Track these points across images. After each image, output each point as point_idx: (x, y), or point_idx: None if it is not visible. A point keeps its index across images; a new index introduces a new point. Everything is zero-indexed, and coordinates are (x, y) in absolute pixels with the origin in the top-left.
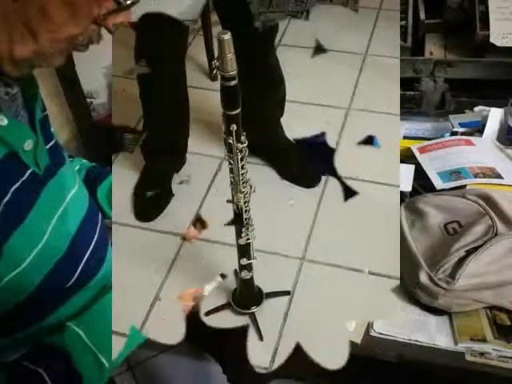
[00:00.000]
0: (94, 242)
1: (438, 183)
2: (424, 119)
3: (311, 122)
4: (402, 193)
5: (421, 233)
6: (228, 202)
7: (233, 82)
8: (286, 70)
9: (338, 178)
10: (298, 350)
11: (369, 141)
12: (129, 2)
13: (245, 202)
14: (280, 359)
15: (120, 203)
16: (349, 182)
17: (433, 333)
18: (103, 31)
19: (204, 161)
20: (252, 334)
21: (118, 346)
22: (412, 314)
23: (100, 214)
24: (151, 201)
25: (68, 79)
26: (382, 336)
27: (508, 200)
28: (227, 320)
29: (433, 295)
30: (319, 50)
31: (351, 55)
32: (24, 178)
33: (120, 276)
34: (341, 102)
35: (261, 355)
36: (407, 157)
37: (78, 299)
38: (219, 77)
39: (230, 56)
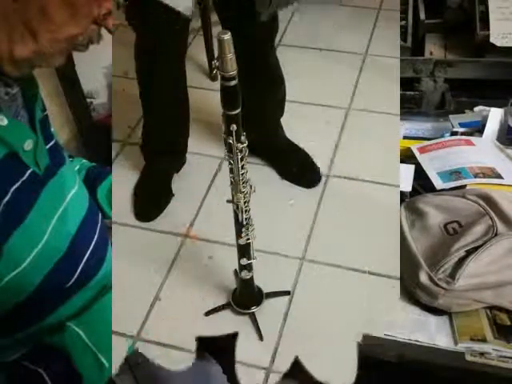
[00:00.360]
0: (93, 242)
1: (438, 183)
2: (424, 119)
3: (311, 122)
4: (402, 193)
5: (421, 233)
6: (228, 201)
7: (233, 82)
8: (286, 70)
9: None
10: None
11: None
12: None
13: (245, 202)
14: (280, 359)
15: (120, 203)
16: (349, 182)
17: (433, 333)
18: (103, 31)
19: (204, 161)
20: (252, 334)
21: (118, 346)
22: (412, 314)
23: (100, 214)
24: (151, 201)
25: (68, 79)
26: (381, 336)
27: (508, 200)
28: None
29: (433, 295)
30: None
31: (351, 55)
32: (24, 178)
33: (120, 276)
34: (341, 102)
35: (261, 355)
36: (407, 157)
37: (78, 299)
38: (219, 77)
39: (230, 56)
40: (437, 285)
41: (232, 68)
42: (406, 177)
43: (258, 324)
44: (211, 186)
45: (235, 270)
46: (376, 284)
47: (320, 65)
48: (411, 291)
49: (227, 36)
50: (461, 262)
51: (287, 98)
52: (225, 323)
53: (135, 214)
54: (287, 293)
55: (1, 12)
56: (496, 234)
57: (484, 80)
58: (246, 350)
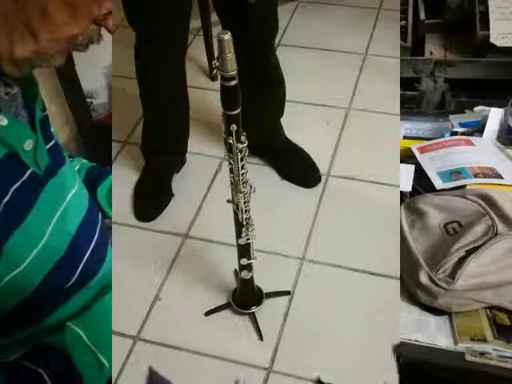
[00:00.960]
0: (93, 242)
1: (438, 183)
2: (424, 119)
3: (311, 122)
4: (402, 193)
5: (421, 233)
6: (228, 201)
7: (233, 82)
8: (286, 70)
9: None
10: None
11: None
12: None
13: (245, 202)
14: (280, 359)
15: (120, 203)
16: (349, 182)
17: (433, 333)
18: (103, 31)
19: (204, 161)
20: (252, 334)
21: (118, 346)
22: (412, 314)
23: (100, 214)
24: (151, 201)
25: (68, 79)
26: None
27: (508, 200)
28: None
29: (433, 295)
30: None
31: (351, 55)
32: (24, 177)
33: (120, 276)
34: (341, 102)
35: (261, 355)
36: (407, 157)
37: (78, 299)
38: (219, 77)
39: (230, 56)
40: (437, 285)
41: (232, 68)
42: (405, 177)
43: (257, 324)
44: (211, 186)
45: (235, 269)
46: (376, 284)
47: (320, 65)
48: (411, 291)
49: (227, 36)
50: (461, 262)
51: (287, 97)
52: (225, 323)
53: (135, 214)
54: (287, 293)
55: (1, 12)
56: (496, 234)
57: (484, 80)
58: (246, 350)
